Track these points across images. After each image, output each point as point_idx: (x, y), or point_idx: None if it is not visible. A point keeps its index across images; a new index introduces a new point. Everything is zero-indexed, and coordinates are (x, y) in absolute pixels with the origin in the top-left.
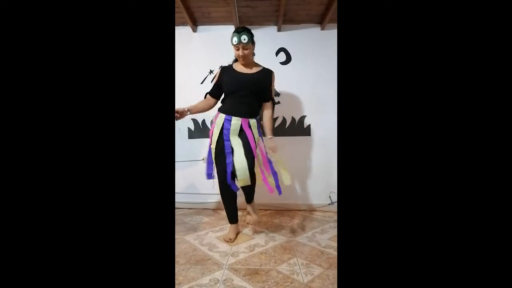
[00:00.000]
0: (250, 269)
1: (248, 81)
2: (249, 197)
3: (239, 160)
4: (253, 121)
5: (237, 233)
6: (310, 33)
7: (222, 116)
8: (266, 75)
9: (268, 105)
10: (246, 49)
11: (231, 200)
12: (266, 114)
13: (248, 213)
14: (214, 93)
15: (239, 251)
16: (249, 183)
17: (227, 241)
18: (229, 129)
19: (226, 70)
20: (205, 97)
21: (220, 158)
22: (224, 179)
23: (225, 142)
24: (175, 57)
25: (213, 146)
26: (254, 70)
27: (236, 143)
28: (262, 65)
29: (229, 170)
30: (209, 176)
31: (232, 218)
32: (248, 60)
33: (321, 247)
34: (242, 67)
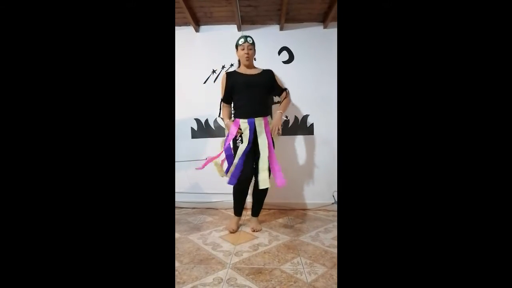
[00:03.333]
0: (253, 269)
1: (255, 81)
2: (257, 208)
3: (263, 166)
4: (270, 119)
5: (238, 226)
6: (313, 32)
7: (245, 120)
8: (268, 74)
9: (283, 95)
10: (251, 49)
11: (243, 196)
12: (284, 101)
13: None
14: (227, 100)
15: (243, 251)
16: (267, 185)
17: (230, 232)
18: (254, 130)
19: (231, 75)
20: (220, 104)
21: (246, 158)
22: (245, 177)
23: (249, 144)
24: (178, 57)
25: (244, 145)
26: (257, 71)
27: (263, 146)
28: (262, 66)
29: (240, 164)
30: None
31: (239, 211)
32: (251, 61)
33: (324, 246)
34: (246, 69)
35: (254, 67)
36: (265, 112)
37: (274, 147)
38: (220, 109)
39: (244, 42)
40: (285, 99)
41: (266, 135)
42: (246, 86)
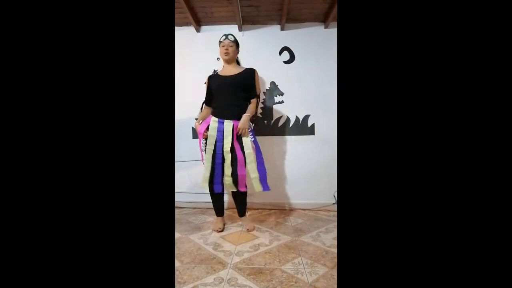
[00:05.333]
0: (254, 269)
1: (232, 82)
2: (241, 209)
3: (228, 167)
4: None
5: (224, 224)
6: (314, 32)
7: (215, 119)
8: (249, 74)
9: (253, 101)
10: (231, 46)
11: (219, 196)
12: (250, 106)
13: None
14: (208, 102)
15: (244, 251)
16: (234, 188)
17: (217, 231)
18: (222, 131)
19: (212, 78)
20: (201, 107)
21: (214, 158)
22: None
23: (218, 143)
24: (179, 57)
25: (211, 147)
26: (237, 71)
27: (227, 148)
28: (263, 66)
29: (218, 171)
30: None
31: (219, 211)
32: (230, 58)
33: (325, 246)
34: (226, 71)
35: (238, 67)
36: (237, 115)
37: (257, 150)
38: (201, 109)
39: (225, 39)
40: (251, 104)
41: (235, 140)
42: (220, 88)
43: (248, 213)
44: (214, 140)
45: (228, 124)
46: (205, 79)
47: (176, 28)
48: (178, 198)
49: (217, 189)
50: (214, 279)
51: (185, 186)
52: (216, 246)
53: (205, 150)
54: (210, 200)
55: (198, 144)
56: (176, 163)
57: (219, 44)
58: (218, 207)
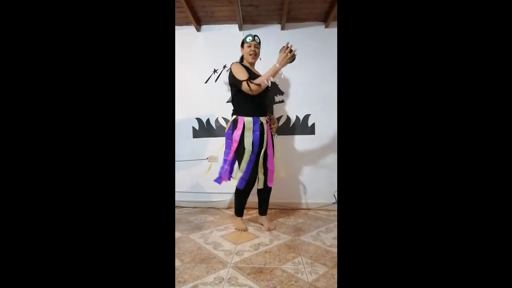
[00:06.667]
0: (254, 268)
1: None
2: (265, 207)
3: (260, 169)
4: (268, 119)
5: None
6: (314, 31)
7: (250, 119)
8: None
9: None
10: (257, 47)
11: (246, 198)
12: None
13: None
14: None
15: (244, 250)
16: (262, 186)
17: (244, 230)
18: (258, 130)
19: (246, 68)
20: (246, 82)
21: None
22: (252, 180)
23: (254, 144)
24: (179, 56)
25: (249, 148)
26: (259, 73)
27: (265, 147)
28: (264, 66)
29: (249, 170)
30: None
31: (242, 212)
32: (255, 60)
33: (325, 246)
34: (251, 67)
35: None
36: (265, 113)
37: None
38: (248, 84)
39: (252, 40)
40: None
41: (268, 136)
42: None
43: (248, 213)
44: (251, 142)
45: (263, 123)
46: (206, 79)
47: (176, 27)
48: (178, 197)
49: (240, 186)
50: (214, 278)
51: (185, 186)
52: (216, 245)
53: (239, 155)
54: (210, 200)
55: (226, 148)
56: (176, 163)
57: (242, 44)
58: (243, 207)
